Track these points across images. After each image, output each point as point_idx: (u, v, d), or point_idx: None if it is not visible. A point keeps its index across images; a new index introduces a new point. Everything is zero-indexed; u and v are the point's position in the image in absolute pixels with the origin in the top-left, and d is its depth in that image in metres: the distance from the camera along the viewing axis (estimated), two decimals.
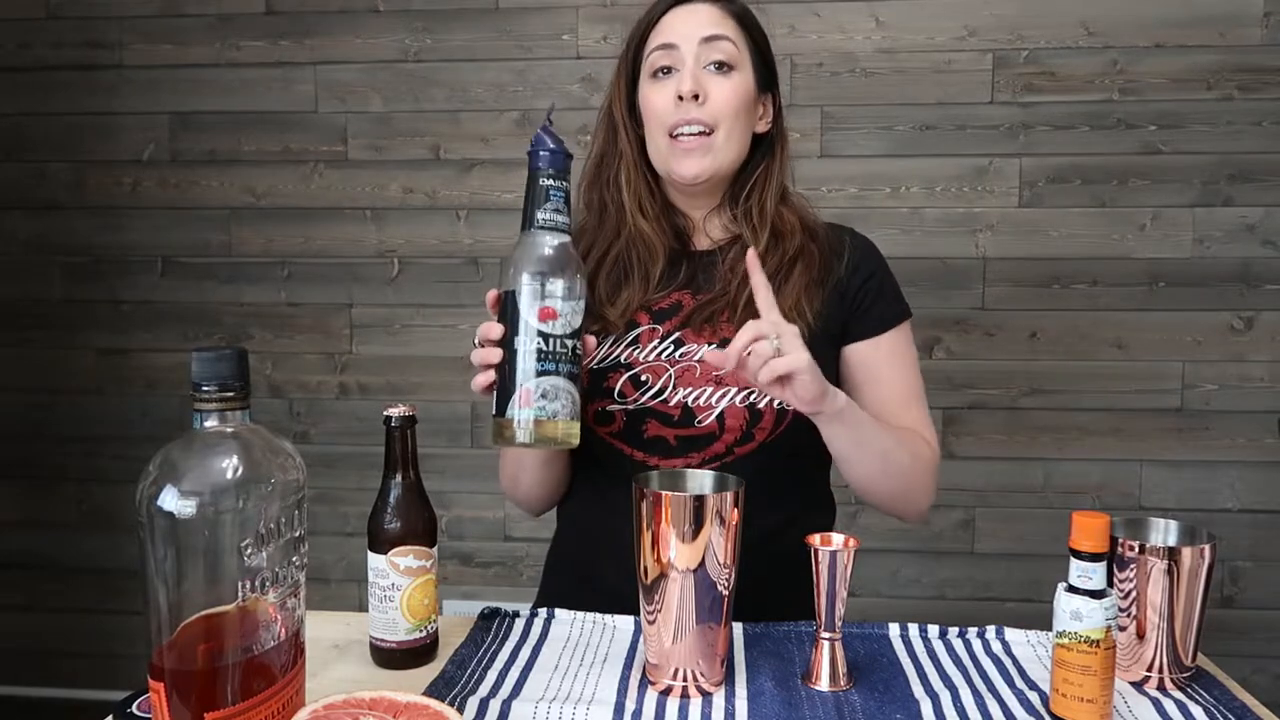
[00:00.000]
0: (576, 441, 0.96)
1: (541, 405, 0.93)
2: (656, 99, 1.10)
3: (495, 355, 0.93)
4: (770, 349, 0.91)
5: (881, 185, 2.05)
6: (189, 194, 2.19)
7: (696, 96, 1.07)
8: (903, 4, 2.01)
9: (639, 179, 1.15)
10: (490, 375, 0.95)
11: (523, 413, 0.92)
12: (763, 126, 1.16)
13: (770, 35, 1.16)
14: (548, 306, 0.93)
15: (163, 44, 2.16)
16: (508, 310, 0.94)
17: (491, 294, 0.97)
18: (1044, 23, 1.99)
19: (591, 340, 1.03)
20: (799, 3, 2.03)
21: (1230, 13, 1.95)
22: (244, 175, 2.18)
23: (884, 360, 1.14)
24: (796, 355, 0.91)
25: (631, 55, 1.14)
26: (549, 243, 0.95)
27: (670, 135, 1.09)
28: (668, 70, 1.10)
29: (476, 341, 0.97)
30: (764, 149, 1.16)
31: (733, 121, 1.09)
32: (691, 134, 1.08)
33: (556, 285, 0.93)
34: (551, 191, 0.95)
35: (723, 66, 1.09)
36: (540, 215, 0.95)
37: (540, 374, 0.92)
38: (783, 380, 0.92)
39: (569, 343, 0.94)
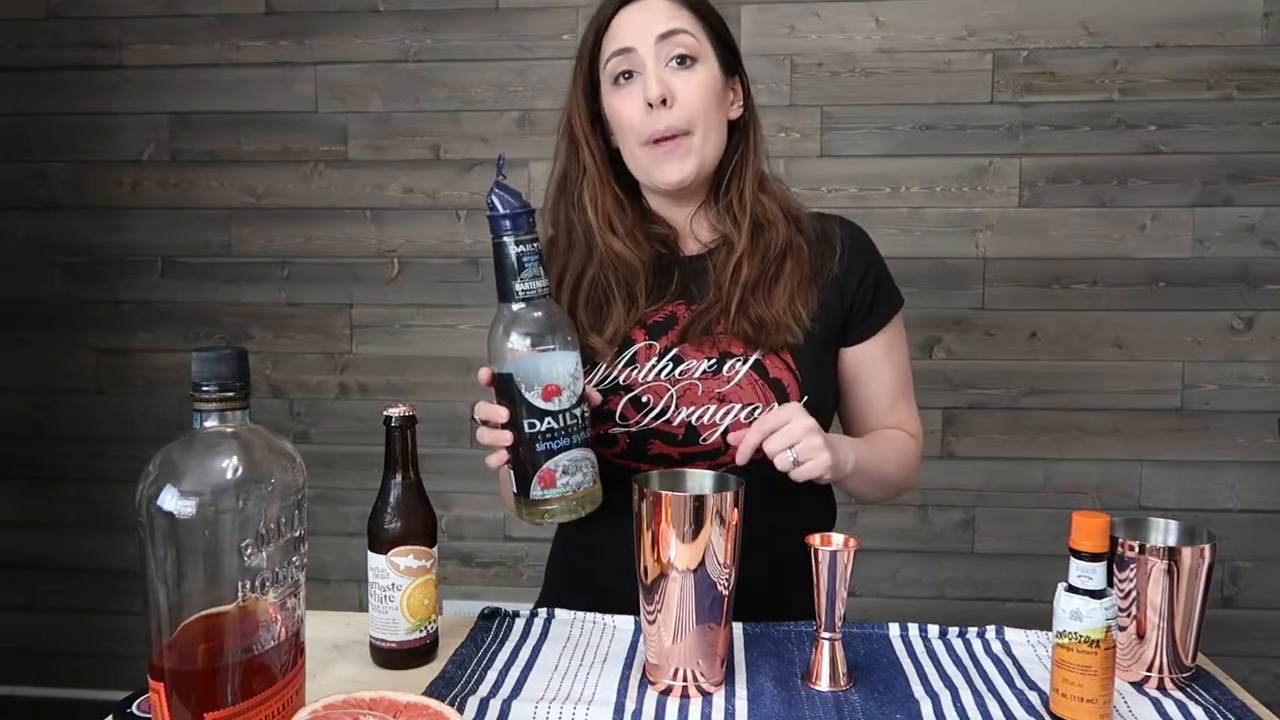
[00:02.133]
0: (601, 500, 0.97)
1: (565, 482, 0.93)
2: (624, 109, 1.06)
3: (506, 439, 0.93)
4: (788, 461, 0.94)
5: (881, 185, 2.05)
6: (189, 194, 2.19)
7: (665, 101, 1.03)
8: (903, 4, 2.01)
9: (605, 195, 1.10)
10: (504, 455, 0.94)
11: (547, 494, 0.93)
12: (735, 112, 1.12)
13: (730, 22, 1.13)
14: (550, 385, 0.91)
15: (163, 44, 2.16)
16: (508, 391, 0.92)
17: (485, 373, 0.95)
18: (1044, 23, 1.99)
19: (596, 395, 1.01)
20: (799, 3, 2.03)
21: (1230, 13, 1.95)
22: (244, 175, 2.18)
23: (879, 358, 1.14)
24: (814, 464, 0.95)
25: (587, 64, 1.10)
26: (536, 315, 0.92)
27: (645, 144, 1.06)
28: (629, 75, 1.06)
29: (479, 419, 0.96)
30: (738, 135, 1.12)
31: (707, 117, 1.06)
32: (668, 138, 1.05)
33: (554, 359, 0.91)
34: (525, 258, 0.91)
35: (685, 60, 1.05)
36: (520, 287, 0.91)
37: (556, 452, 0.92)
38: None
39: (577, 411, 0.93)
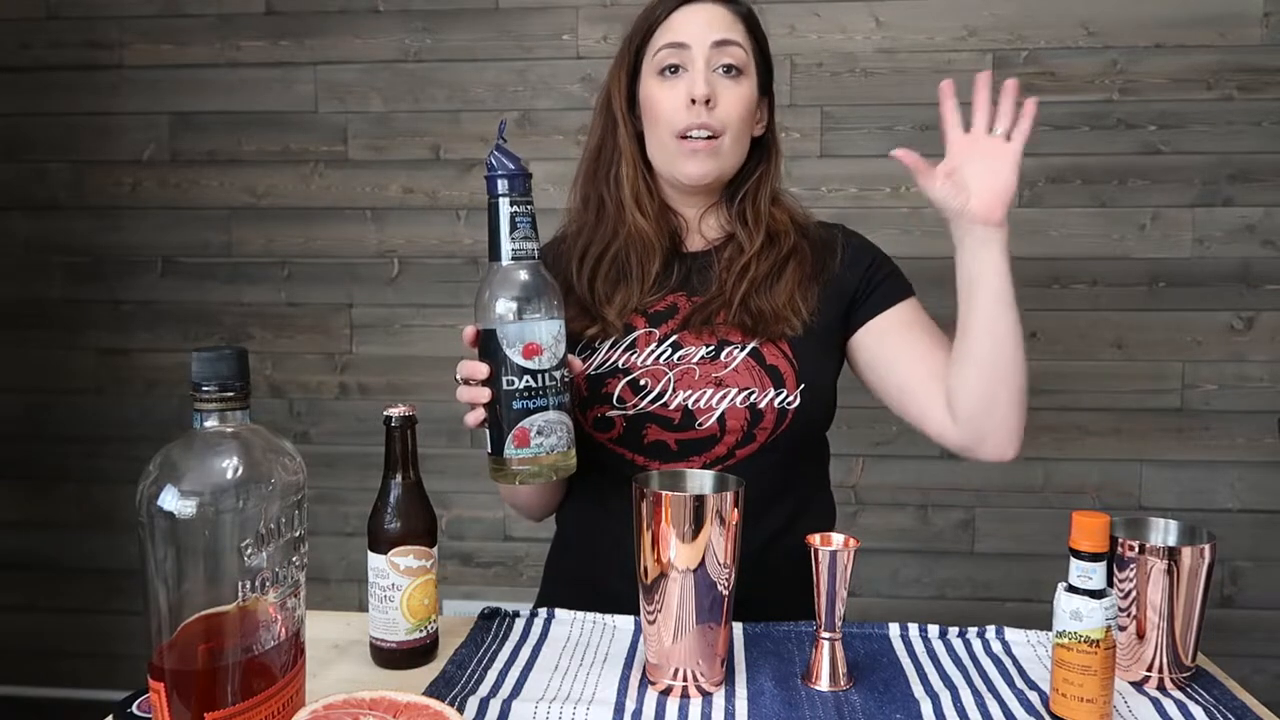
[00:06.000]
0: (574, 467, 0.97)
1: (538, 442, 0.93)
2: (665, 99, 1.08)
3: (484, 395, 0.93)
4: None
5: (881, 185, 2.05)
6: (189, 194, 2.19)
7: (708, 101, 1.06)
8: (903, 4, 2.01)
9: (638, 176, 1.13)
10: (482, 413, 0.94)
11: (520, 453, 0.92)
12: (758, 130, 1.15)
13: (769, 35, 1.15)
14: (531, 343, 0.91)
15: (163, 44, 2.16)
16: (490, 349, 0.92)
17: (469, 330, 0.96)
18: (1044, 23, 1.99)
19: (578, 362, 1.02)
20: (799, 3, 2.03)
21: (1230, 13, 1.95)
22: (244, 175, 2.18)
23: (908, 323, 1.12)
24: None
25: (635, 49, 1.13)
26: (523, 275, 0.93)
27: (677, 137, 1.08)
28: (675, 69, 1.08)
29: (460, 378, 0.96)
30: (759, 153, 1.16)
31: (739, 127, 1.09)
32: (701, 137, 1.07)
33: (537, 319, 0.92)
34: (519, 219, 0.93)
35: (732, 70, 1.08)
36: (511, 246, 0.93)
37: (532, 411, 0.92)
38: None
39: (556, 374, 0.93)
